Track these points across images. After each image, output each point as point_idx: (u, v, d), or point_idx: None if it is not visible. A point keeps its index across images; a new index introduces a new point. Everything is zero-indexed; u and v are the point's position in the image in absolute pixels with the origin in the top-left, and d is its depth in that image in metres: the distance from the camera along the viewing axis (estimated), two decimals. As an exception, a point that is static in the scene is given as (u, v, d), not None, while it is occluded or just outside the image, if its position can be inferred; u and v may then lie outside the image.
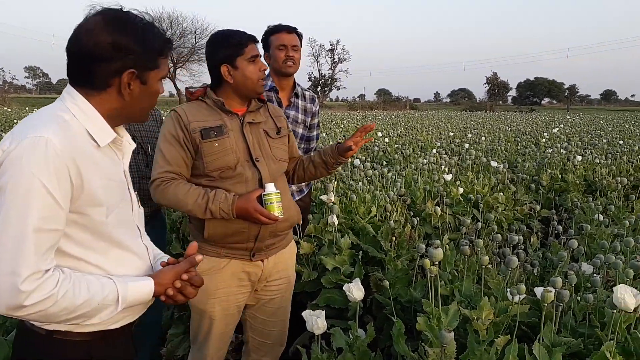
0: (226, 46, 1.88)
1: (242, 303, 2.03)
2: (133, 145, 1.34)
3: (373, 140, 7.32)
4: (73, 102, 1.17)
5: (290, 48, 2.64)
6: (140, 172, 2.24)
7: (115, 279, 1.17)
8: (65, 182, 1.06)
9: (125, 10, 1.20)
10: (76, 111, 1.16)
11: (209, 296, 1.92)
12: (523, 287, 1.69)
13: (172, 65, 41.89)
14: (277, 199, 1.81)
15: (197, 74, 41.91)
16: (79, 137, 1.13)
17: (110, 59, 1.14)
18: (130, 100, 1.20)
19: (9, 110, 19.87)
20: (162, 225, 2.57)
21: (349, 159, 2.19)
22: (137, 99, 1.21)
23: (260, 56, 1.94)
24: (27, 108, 21.90)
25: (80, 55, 1.15)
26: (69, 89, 1.19)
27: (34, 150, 1.04)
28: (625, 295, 1.59)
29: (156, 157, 1.87)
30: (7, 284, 1.01)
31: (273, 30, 2.66)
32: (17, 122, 4.71)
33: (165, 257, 1.40)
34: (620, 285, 1.64)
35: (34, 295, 1.02)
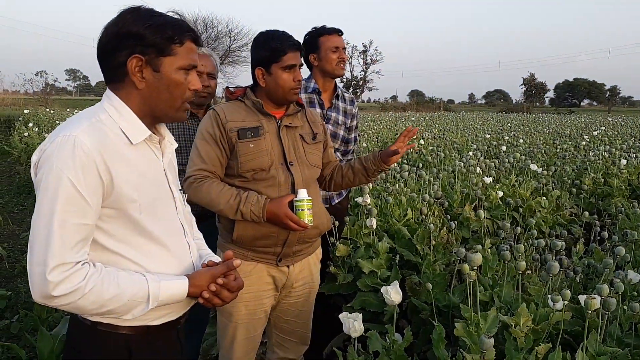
0: (265, 49, 1.87)
1: (268, 307, 2.03)
2: (175, 145, 1.36)
3: (417, 146, 7.21)
4: (109, 102, 1.21)
5: (342, 50, 2.66)
6: None
7: (149, 276, 1.19)
8: (94, 179, 1.10)
9: (142, 5, 1.21)
10: (112, 110, 1.20)
11: (235, 301, 1.92)
12: (568, 292, 1.64)
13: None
14: (308, 206, 1.80)
15: (232, 77, 42.41)
16: (111, 135, 1.16)
17: (118, 48, 1.17)
18: (147, 90, 1.21)
19: (51, 111, 20.60)
20: (211, 230, 2.57)
21: (392, 166, 2.15)
22: (154, 89, 1.21)
23: (300, 66, 1.92)
24: (67, 109, 22.62)
25: (99, 52, 1.20)
26: (107, 91, 1.24)
27: (63, 148, 1.09)
28: None
29: (192, 155, 1.89)
30: (38, 273, 1.07)
31: (323, 32, 2.67)
32: (59, 123, 4.87)
33: (214, 258, 1.40)
34: None
35: (62, 286, 1.07)
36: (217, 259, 1.39)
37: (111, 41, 1.18)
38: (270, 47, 1.85)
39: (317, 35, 2.67)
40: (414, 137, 2.10)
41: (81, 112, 1.23)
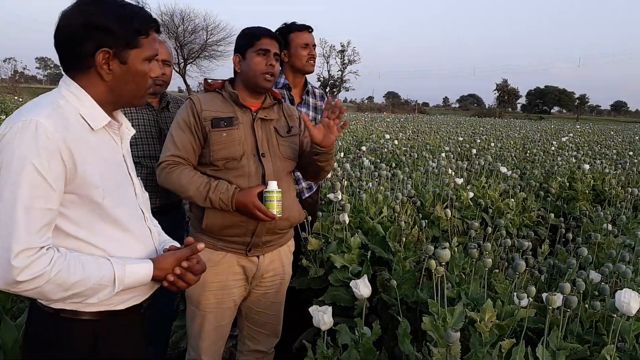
0: (242, 37, 1.96)
1: (238, 297, 2.04)
2: (132, 132, 1.37)
3: (390, 146, 7.21)
4: (67, 88, 1.20)
5: (312, 47, 2.67)
6: None
7: (114, 260, 1.19)
8: (57, 164, 1.10)
9: None
10: (71, 97, 1.19)
11: (203, 288, 1.94)
12: (533, 289, 1.69)
13: (182, 60, 41.97)
14: (277, 198, 1.82)
15: (208, 71, 42.00)
16: (72, 120, 1.16)
17: (84, 39, 1.16)
18: (113, 81, 1.21)
19: (20, 99, 20.01)
20: (180, 221, 2.56)
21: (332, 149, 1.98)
22: (120, 80, 1.22)
23: (274, 54, 1.95)
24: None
25: (59, 40, 1.19)
26: (64, 77, 1.23)
27: (25, 133, 1.08)
28: (630, 300, 1.59)
29: (166, 141, 1.93)
30: (1, 259, 1.05)
31: (293, 28, 2.68)
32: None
33: (174, 243, 1.42)
34: (625, 289, 1.64)
35: (27, 271, 1.06)
36: (177, 244, 1.41)
37: (76, 31, 1.16)
38: (246, 34, 1.95)
39: (287, 31, 2.68)
40: (342, 113, 1.92)
41: (38, 98, 1.22)
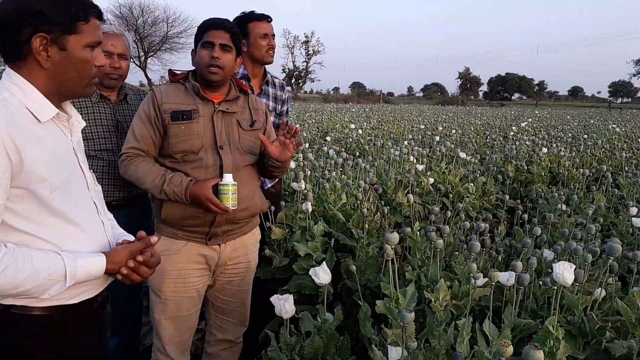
0: (196, 31, 1.98)
1: (201, 286, 2.05)
2: (82, 124, 1.35)
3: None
4: (10, 80, 1.18)
5: (271, 37, 2.65)
6: None
7: (64, 254, 1.18)
8: (2, 158, 1.07)
9: None
10: (14, 89, 1.17)
11: (163, 276, 1.95)
12: (474, 266, 1.76)
13: (143, 54, 40.94)
14: (232, 190, 1.84)
15: (169, 63, 41.08)
16: (18, 114, 1.14)
17: (19, 26, 1.14)
18: (53, 69, 1.19)
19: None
20: (145, 212, 2.51)
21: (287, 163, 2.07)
22: (61, 68, 1.20)
23: (222, 45, 1.92)
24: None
25: None
26: (7, 69, 1.20)
27: None
28: (564, 271, 1.66)
29: (128, 133, 1.94)
30: None
31: (252, 18, 2.65)
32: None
33: (128, 237, 1.42)
34: (561, 262, 1.71)
35: None
36: (131, 237, 1.41)
37: (10, 18, 1.13)
38: (198, 28, 1.96)
39: (246, 20, 2.65)
40: (296, 134, 1.98)
41: None
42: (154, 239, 1.35)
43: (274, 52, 2.71)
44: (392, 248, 1.66)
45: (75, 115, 1.32)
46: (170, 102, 1.91)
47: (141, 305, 2.70)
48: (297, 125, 2.06)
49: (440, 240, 1.95)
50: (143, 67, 41.26)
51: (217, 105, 1.96)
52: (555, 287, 1.68)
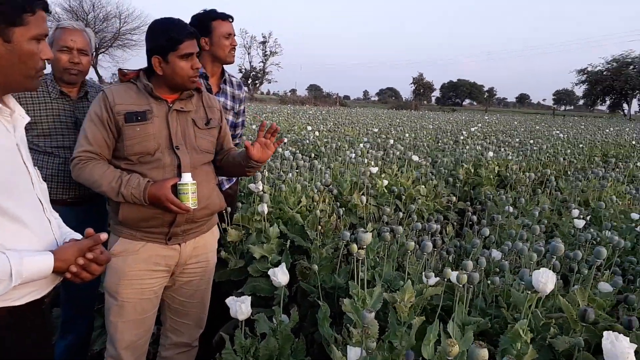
0: (162, 38, 1.85)
1: (159, 288, 2.01)
2: (26, 119, 1.31)
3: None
4: None
5: (233, 37, 2.63)
6: None
7: (9, 253, 1.14)
8: None
9: None
10: None
11: (121, 278, 1.90)
12: (431, 271, 1.80)
13: (93, 50, 39.44)
14: (192, 190, 1.82)
15: (122, 60, 39.89)
16: None
17: None
18: None
19: None
20: (103, 209, 2.46)
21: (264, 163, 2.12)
22: (6, 60, 1.16)
23: (197, 54, 1.90)
24: None
25: None
26: None
27: None
28: (548, 282, 1.67)
29: (79, 136, 1.87)
30: None
31: (216, 17, 2.60)
32: None
33: (75, 235, 1.38)
34: (544, 269, 1.74)
35: None
36: (78, 236, 1.37)
37: None
38: (167, 36, 1.84)
39: (210, 19, 2.60)
40: (277, 132, 2.02)
41: None
42: (103, 235, 1.31)
43: (235, 52, 2.69)
44: (363, 248, 1.68)
45: (18, 110, 1.28)
46: (123, 103, 1.85)
47: (92, 308, 2.61)
48: (278, 125, 2.04)
49: (412, 242, 1.99)
50: (94, 64, 39.83)
51: (171, 105, 1.91)
52: (530, 292, 1.71)
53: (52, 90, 2.21)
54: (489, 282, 2.16)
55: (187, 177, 1.82)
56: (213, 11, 2.63)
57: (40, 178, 1.35)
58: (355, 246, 1.91)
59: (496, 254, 2.42)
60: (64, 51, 2.16)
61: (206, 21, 2.58)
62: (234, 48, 2.66)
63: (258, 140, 1.96)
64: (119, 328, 1.95)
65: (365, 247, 1.84)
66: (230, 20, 2.65)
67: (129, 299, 1.93)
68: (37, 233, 1.25)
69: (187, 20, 2.29)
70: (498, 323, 1.97)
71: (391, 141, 7.22)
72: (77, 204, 2.24)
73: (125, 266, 1.89)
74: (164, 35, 1.84)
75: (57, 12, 33.65)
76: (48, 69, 2.23)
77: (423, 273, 1.94)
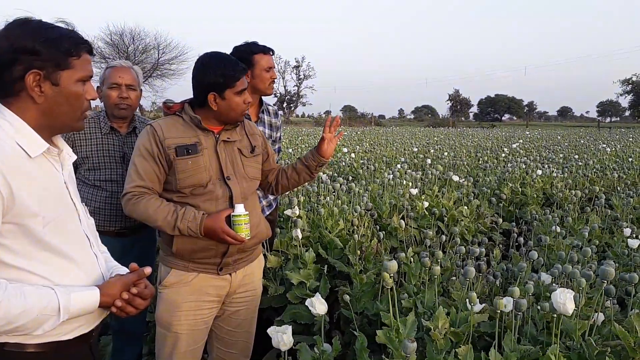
0: (219, 75, 1.86)
1: (210, 319, 2.02)
2: (73, 157, 1.35)
3: (348, 159, 7.32)
4: (2, 117, 1.18)
5: (273, 70, 2.68)
6: None
7: (57, 289, 1.17)
8: None
9: (30, 17, 1.21)
10: (5, 125, 1.17)
11: (175, 309, 1.92)
12: (474, 294, 1.73)
13: (141, 86, 40.73)
14: (245, 221, 1.83)
15: (160, 90, 41.13)
16: (8, 149, 1.14)
17: (13, 63, 1.15)
18: (46, 104, 1.20)
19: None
20: (149, 239, 2.57)
21: (328, 160, 2.24)
22: (53, 103, 1.21)
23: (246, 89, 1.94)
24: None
25: None
26: None
27: None
28: (566, 301, 1.63)
29: (130, 170, 1.89)
30: None
31: (258, 50, 2.65)
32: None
33: (122, 270, 1.40)
34: (560, 289, 1.69)
35: None
36: (124, 270, 1.39)
37: (4, 56, 1.15)
38: (224, 73, 1.86)
39: (251, 52, 2.64)
40: (339, 126, 2.19)
41: None
42: (147, 270, 1.34)
43: (274, 85, 2.74)
44: (390, 276, 1.64)
45: (66, 149, 1.32)
46: (172, 137, 1.86)
47: (141, 337, 2.66)
48: (339, 115, 2.29)
49: (438, 267, 1.93)
50: (136, 95, 41.16)
51: (217, 136, 1.94)
52: (555, 315, 1.66)
53: (104, 126, 2.32)
54: (538, 307, 2.07)
55: (240, 208, 1.83)
56: (254, 44, 2.68)
57: (87, 214, 1.39)
58: (386, 275, 1.87)
59: (545, 277, 2.31)
60: (114, 88, 2.27)
61: (248, 54, 2.63)
62: (274, 81, 2.71)
63: (324, 136, 2.11)
64: (173, 359, 1.97)
65: (392, 275, 1.79)
66: (271, 53, 2.70)
67: (182, 331, 1.94)
68: (84, 268, 1.28)
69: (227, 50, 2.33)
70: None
71: (429, 160, 7.12)
72: (123, 234, 2.32)
73: (178, 298, 1.91)
74: (219, 72, 1.86)
75: (99, 46, 35.15)
76: (102, 106, 2.34)
77: (467, 299, 1.87)
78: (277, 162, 2.99)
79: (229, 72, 1.86)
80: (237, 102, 1.89)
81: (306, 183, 2.73)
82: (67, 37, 1.20)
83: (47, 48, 1.16)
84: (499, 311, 1.67)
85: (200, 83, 1.90)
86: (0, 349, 1.14)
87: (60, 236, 1.21)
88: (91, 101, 1.30)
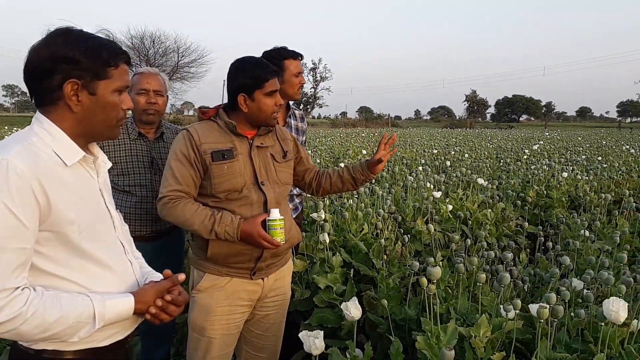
0: (248, 77, 1.88)
1: (241, 322, 2.03)
2: (108, 165, 1.36)
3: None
4: (40, 125, 1.19)
5: (301, 75, 2.68)
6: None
7: (93, 296, 1.18)
8: (30, 202, 1.08)
9: (71, 27, 1.21)
10: (43, 133, 1.18)
11: (208, 314, 1.93)
12: (519, 302, 1.71)
13: (168, 92, 41.20)
14: (280, 225, 1.84)
15: (180, 92, 41.57)
16: (45, 157, 1.15)
17: (52, 72, 1.16)
18: (82, 113, 1.21)
19: (-13, 128, 19.52)
20: (179, 242, 2.59)
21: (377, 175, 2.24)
22: (90, 112, 1.21)
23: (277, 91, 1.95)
24: (5, 127, 21.48)
25: (29, 74, 1.18)
26: (37, 113, 1.22)
27: None
28: (619, 309, 1.61)
29: (165, 174, 1.90)
30: None
31: (288, 55, 2.64)
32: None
33: (156, 276, 1.41)
34: (613, 298, 1.66)
35: (2, 313, 1.04)
36: (158, 276, 1.40)
37: (44, 65, 1.16)
38: (253, 74, 1.88)
39: (281, 57, 2.63)
40: (394, 143, 2.17)
41: (11, 136, 1.20)
42: (181, 277, 1.34)
43: (302, 89, 2.74)
44: (434, 283, 1.62)
45: (101, 157, 1.33)
46: (208, 142, 1.88)
47: (171, 339, 2.69)
48: (395, 134, 2.29)
49: (483, 275, 1.91)
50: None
51: (251, 141, 1.95)
52: (604, 323, 1.62)
53: (132, 132, 2.35)
54: (572, 314, 2.03)
55: (275, 213, 1.84)
56: (284, 49, 2.67)
57: (122, 220, 1.40)
58: (425, 280, 1.85)
59: (577, 283, 2.27)
60: (142, 93, 2.30)
61: (278, 60, 2.61)
62: (302, 86, 2.70)
63: (380, 153, 2.11)
64: None
65: (435, 281, 1.77)
66: (300, 58, 2.69)
67: (216, 335, 1.95)
68: (119, 275, 1.29)
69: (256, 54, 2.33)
70: (586, 359, 1.84)
71: (448, 163, 7.06)
72: (154, 238, 2.34)
73: (212, 302, 1.92)
74: (250, 73, 1.88)
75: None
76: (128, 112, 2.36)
77: (501, 306, 1.84)
78: None
79: (257, 74, 1.88)
80: (267, 103, 1.90)
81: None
82: (106, 47, 1.21)
83: (86, 58, 1.17)
84: (541, 321, 1.63)
85: (232, 85, 1.92)
86: (38, 356, 1.15)
87: (95, 243, 1.22)
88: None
